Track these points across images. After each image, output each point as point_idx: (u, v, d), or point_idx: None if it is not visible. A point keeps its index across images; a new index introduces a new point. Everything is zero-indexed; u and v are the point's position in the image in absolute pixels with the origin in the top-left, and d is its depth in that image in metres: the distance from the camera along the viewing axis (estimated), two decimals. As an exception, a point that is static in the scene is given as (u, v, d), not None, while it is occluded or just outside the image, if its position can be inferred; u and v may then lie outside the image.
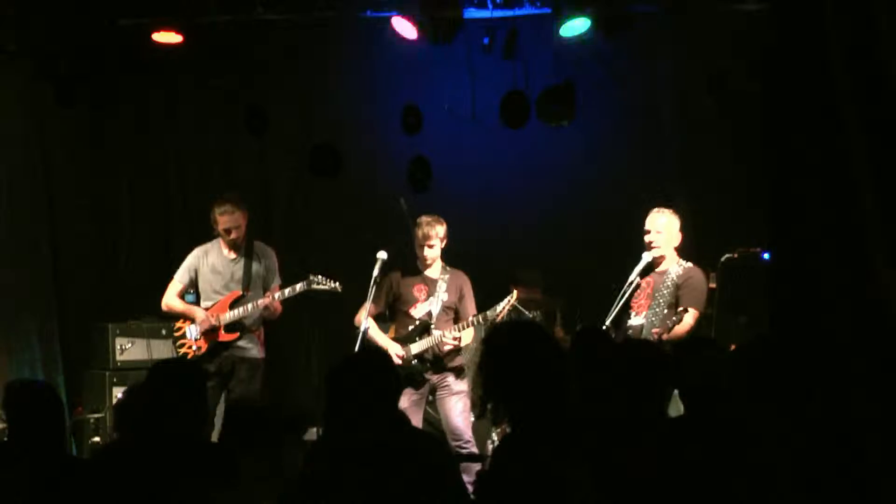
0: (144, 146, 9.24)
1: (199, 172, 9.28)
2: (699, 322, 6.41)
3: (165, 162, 9.35)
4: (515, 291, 7.08)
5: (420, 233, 7.07)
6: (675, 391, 4.40)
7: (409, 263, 7.20)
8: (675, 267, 6.48)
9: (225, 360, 7.14)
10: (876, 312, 3.41)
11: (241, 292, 7.20)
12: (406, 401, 6.88)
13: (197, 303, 7.35)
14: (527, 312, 7.90)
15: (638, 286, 6.65)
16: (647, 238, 6.64)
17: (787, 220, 3.66)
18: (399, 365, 6.91)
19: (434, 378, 7.09)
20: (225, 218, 7.15)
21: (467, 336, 7.12)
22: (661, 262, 6.58)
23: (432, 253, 7.08)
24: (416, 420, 6.99)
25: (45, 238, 8.80)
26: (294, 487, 3.83)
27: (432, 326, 7.06)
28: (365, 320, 7.02)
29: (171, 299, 7.34)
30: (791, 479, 3.52)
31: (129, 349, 8.23)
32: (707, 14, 8.00)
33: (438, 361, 7.07)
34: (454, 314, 7.16)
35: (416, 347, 7.05)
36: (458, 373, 7.13)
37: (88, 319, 8.66)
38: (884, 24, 3.43)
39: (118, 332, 8.26)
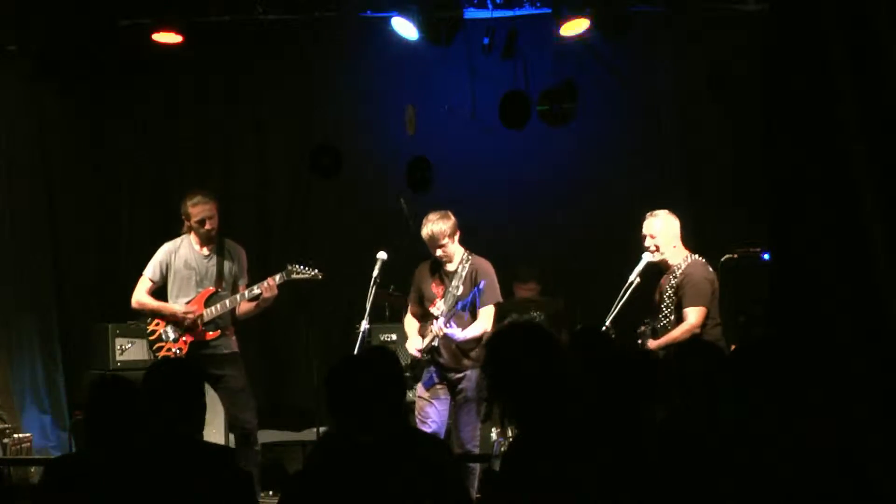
0: (144, 146, 9.24)
1: (199, 172, 9.27)
2: (707, 316, 6.35)
3: (165, 162, 9.35)
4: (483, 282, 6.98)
5: (425, 234, 6.87)
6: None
7: (432, 258, 7.01)
8: (677, 265, 6.47)
9: (208, 360, 6.93)
10: (876, 312, 3.41)
11: (214, 289, 7.02)
12: (423, 392, 6.87)
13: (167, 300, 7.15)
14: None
15: (636, 286, 6.66)
16: (644, 244, 6.61)
17: (787, 220, 3.66)
18: (417, 359, 6.88)
19: (453, 376, 6.89)
20: (198, 209, 6.95)
21: (477, 326, 6.84)
22: (667, 263, 6.56)
23: (445, 252, 6.88)
24: (442, 408, 6.87)
25: (45, 238, 8.80)
26: (295, 487, 3.83)
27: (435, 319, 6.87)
28: (364, 322, 7.00)
29: (142, 296, 7.09)
30: (791, 479, 3.52)
31: (129, 349, 8.22)
32: (707, 14, 8.01)
33: (455, 361, 6.86)
34: (472, 307, 6.88)
35: (426, 342, 6.89)
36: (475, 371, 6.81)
37: (88, 319, 8.66)
38: (884, 24, 3.43)
39: (118, 332, 8.24)
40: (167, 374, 4.05)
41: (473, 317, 6.89)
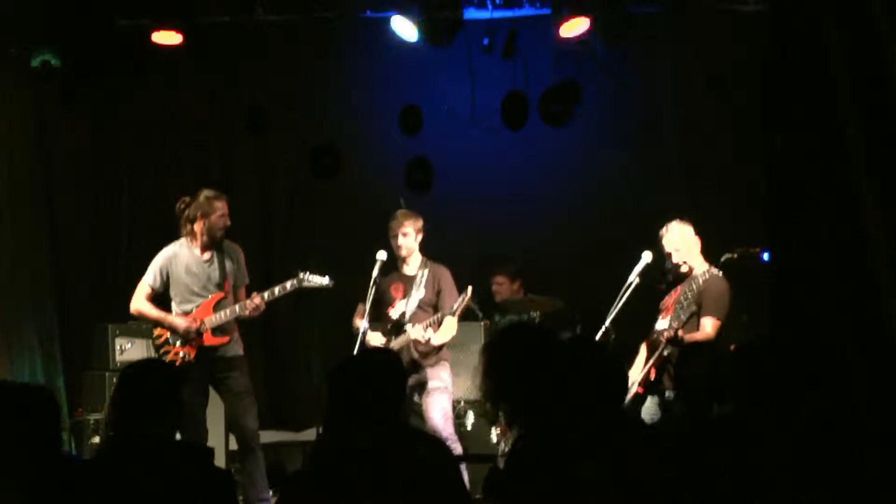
0: (144, 146, 9.25)
1: (199, 172, 9.28)
2: (719, 331, 6.38)
3: (165, 162, 9.35)
4: (470, 288, 7.02)
5: (392, 223, 7.06)
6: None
7: (389, 263, 7.10)
8: (701, 275, 6.47)
9: (214, 363, 6.93)
10: (876, 312, 3.41)
11: (223, 294, 6.96)
12: None
13: (167, 306, 7.10)
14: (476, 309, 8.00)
15: (636, 286, 6.66)
16: (672, 260, 6.59)
17: (787, 220, 3.66)
18: None
19: (412, 379, 6.93)
20: (220, 204, 6.89)
21: (447, 332, 6.96)
22: (691, 271, 6.56)
23: (405, 242, 7.02)
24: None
25: (45, 238, 8.80)
26: (294, 487, 3.83)
27: (407, 325, 6.97)
28: (364, 321, 7.00)
29: (142, 304, 7.03)
30: (791, 480, 3.52)
31: (129, 350, 8.21)
32: (707, 14, 8.01)
33: (413, 363, 6.95)
34: (433, 310, 7.02)
35: (394, 346, 6.92)
36: (437, 368, 7.03)
37: (88, 320, 8.65)
38: (884, 24, 3.43)
39: (118, 332, 8.23)
40: (141, 375, 4.04)
41: (435, 310, 7.03)
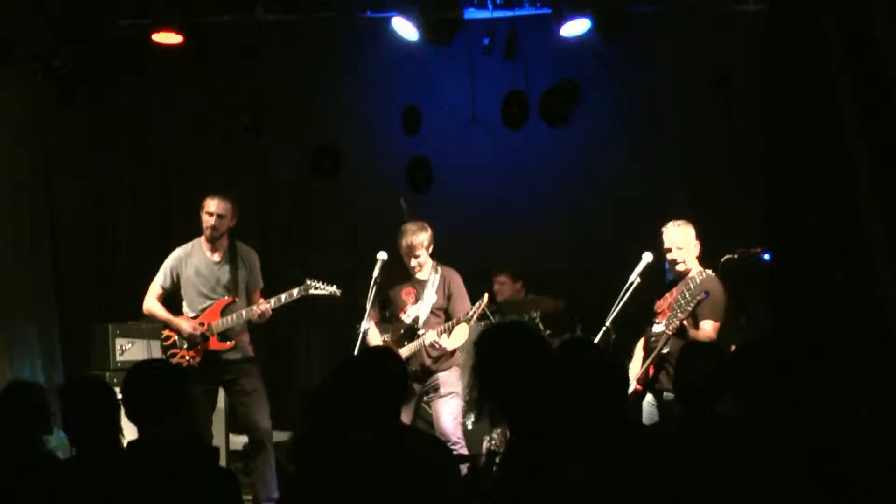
0: (144, 146, 9.25)
1: (199, 172, 9.28)
2: (718, 333, 6.37)
3: (165, 162, 9.35)
4: (486, 295, 7.03)
5: (404, 244, 6.92)
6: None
7: (400, 266, 7.05)
8: (696, 277, 6.47)
9: (222, 366, 6.94)
10: (876, 312, 3.41)
11: (231, 299, 6.97)
12: None
13: (180, 307, 7.12)
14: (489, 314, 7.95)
15: (636, 286, 6.65)
16: (669, 257, 6.56)
17: (787, 220, 3.66)
18: None
19: (422, 384, 6.97)
20: (212, 202, 6.91)
21: (459, 337, 6.97)
22: (687, 272, 6.54)
23: (418, 261, 6.95)
24: (406, 419, 6.91)
25: (45, 238, 8.81)
26: (294, 486, 3.83)
27: (419, 331, 6.97)
28: (365, 321, 7.00)
29: (153, 304, 7.06)
30: (791, 480, 3.52)
31: (130, 350, 8.20)
32: (707, 14, 8.01)
33: (425, 368, 6.96)
34: (445, 315, 7.02)
35: (403, 352, 6.85)
36: (449, 373, 7.01)
37: (88, 319, 8.65)
38: (884, 24, 3.43)
39: (118, 332, 8.22)
40: (147, 375, 4.05)
41: (447, 317, 7.00)
